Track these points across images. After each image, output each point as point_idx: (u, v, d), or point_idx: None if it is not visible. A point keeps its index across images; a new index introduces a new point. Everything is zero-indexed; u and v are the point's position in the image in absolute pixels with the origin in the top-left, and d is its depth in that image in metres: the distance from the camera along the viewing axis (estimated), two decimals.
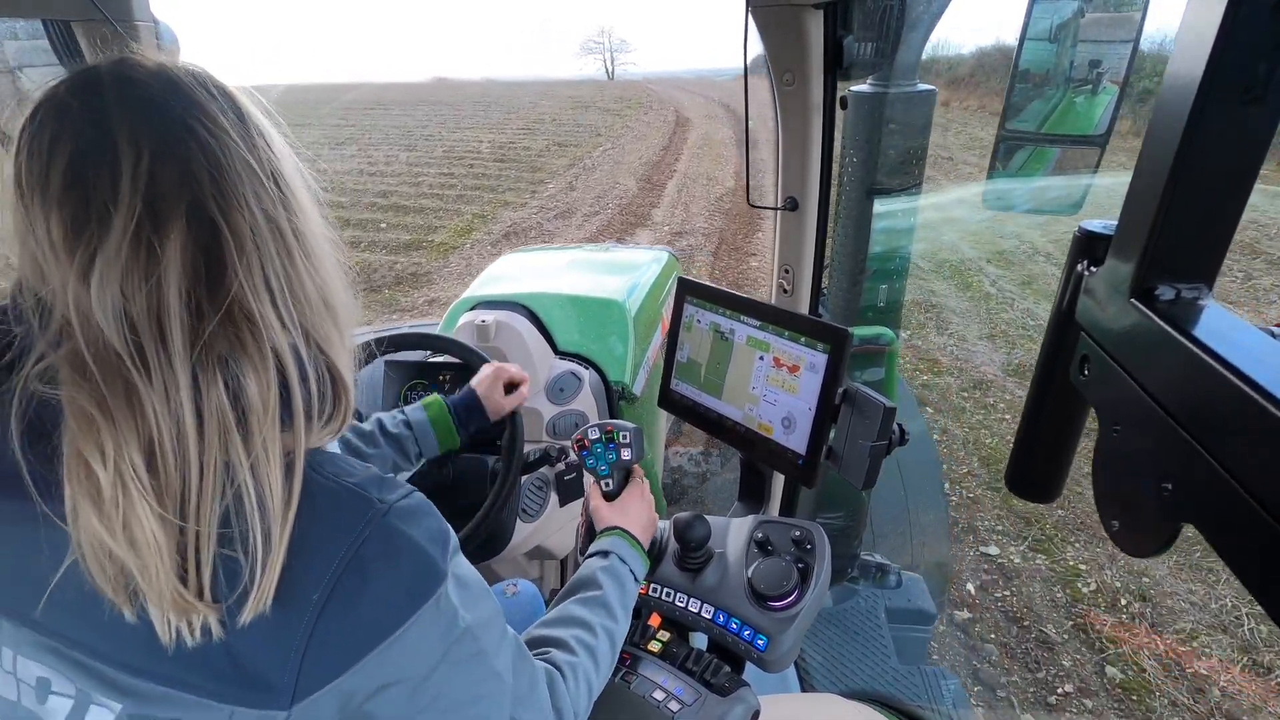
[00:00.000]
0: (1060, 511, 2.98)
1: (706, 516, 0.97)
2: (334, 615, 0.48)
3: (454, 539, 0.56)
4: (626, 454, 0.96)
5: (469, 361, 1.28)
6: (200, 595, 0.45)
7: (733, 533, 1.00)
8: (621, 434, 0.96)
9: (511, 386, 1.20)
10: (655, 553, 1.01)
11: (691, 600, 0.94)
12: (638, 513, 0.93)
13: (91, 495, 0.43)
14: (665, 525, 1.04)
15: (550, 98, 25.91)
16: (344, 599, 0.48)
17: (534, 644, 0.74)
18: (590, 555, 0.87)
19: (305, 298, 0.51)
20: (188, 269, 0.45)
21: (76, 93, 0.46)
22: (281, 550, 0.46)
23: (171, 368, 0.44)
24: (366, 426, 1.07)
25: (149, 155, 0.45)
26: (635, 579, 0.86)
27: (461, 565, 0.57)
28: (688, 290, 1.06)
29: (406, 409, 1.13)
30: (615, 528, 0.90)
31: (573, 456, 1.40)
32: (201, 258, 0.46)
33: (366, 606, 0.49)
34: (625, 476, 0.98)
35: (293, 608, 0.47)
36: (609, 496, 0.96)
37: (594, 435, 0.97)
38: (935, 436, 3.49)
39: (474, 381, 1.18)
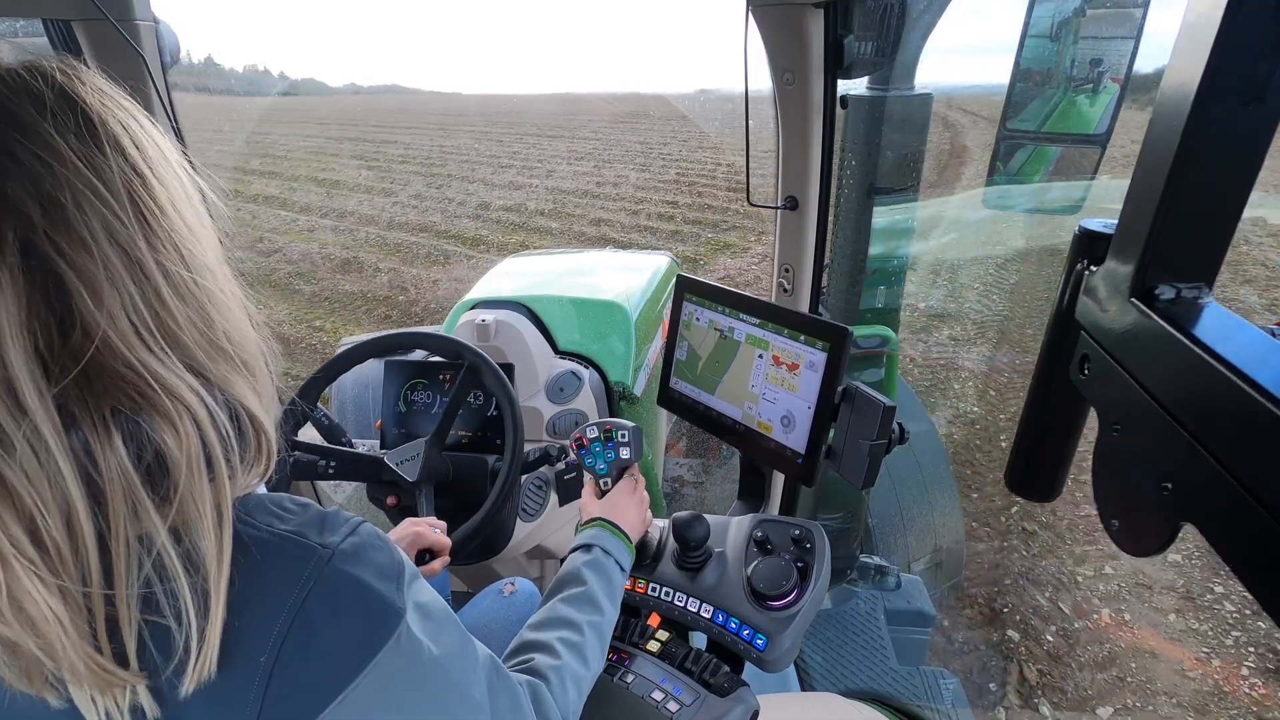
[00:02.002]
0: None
1: (705, 515, 0.97)
2: (286, 673, 0.44)
3: (409, 567, 0.52)
4: (625, 453, 0.96)
5: (464, 358, 1.28)
6: (125, 666, 0.41)
7: (732, 532, 1.00)
8: (620, 433, 0.96)
9: (430, 554, 1.04)
10: (654, 552, 1.01)
11: (690, 600, 0.94)
12: (623, 506, 0.93)
13: None
14: (664, 524, 1.04)
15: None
16: (294, 655, 0.44)
17: (521, 649, 0.73)
18: (573, 550, 0.87)
19: (188, 340, 0.45)
20: (29, 321, 0.38)
21: None
22: (220, 612, 0.42)
23: (38, 434, 0.38)
24: None
25: None
26: (621, 568, 0.86)
27: (422, 592, 0.53)
28: (687, 288, 1.06)
29: None
30: (597, 519, 0.90)
31: (573, 456, 1.40)
32: (44, 306, 0.39)
33: (321, 658, 0.45)
34: (623, 475, 0.98)
35: (239, 672, 0.43)
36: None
37: (593, 434, 0.97)
38: None
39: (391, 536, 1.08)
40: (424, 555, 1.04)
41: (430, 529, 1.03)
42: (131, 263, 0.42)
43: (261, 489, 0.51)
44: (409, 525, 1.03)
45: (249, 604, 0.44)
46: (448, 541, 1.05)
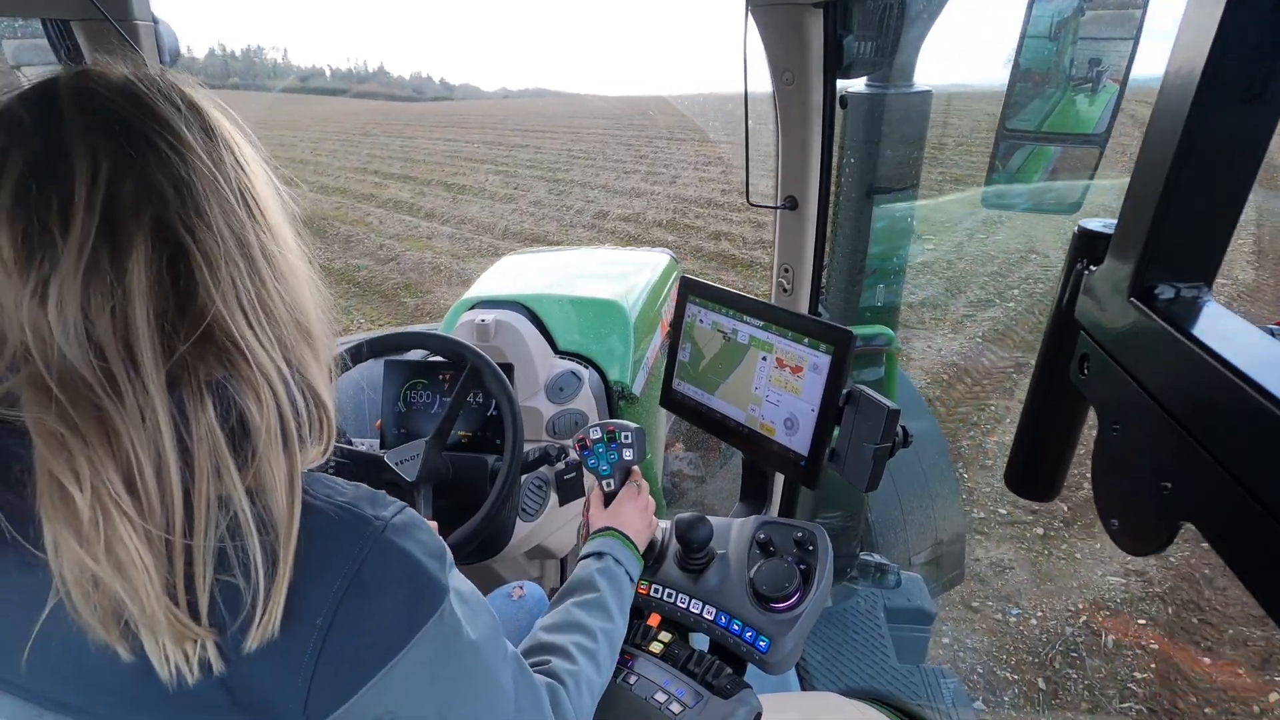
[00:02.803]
0: None
1: (708, 517, 0.97)
2: (339, 637, 0.47)
3: (449, 554, 0.55)
4: (628, 454, 0.96)
5: (464, 359, 1.28)
6: (197, 620, 0.43)
7: (734, 534, 1.00)
8: (624, 434, 0.96)
9: None
10: (657, 553, 1.01)
11: (693, 601, 0.94)
12: (630, 514, 0.93)
13: (68, 519, 0.40)
14: (667, 526, 1.04)
15: None
16: (348, 620, 0.47)
17: (535, 650, 0.74)
18: (585, 556, 0.87)
19: (280, 320, 0.49)
20: (155, 289, 0.43)
21: (30, 106, 0.44)
22: (287, 572, 0.45)
23: (146, 392, 0.42)
24: None
25: (106, 170, 0.43)
26: (631, 579, 0.86)
27: (460, 579, 0.56)
28: (691, 290, 1.06)
29: None
30: (608, 528, 0.90)
31: (572, 456, 1.40)
32: (169, 278, 0.44)
33: (371, 626, 0.48)
34: (626, 477, 0.98)
35: (297, 632, 0.46)
36: (610, 497, 0.96)
37: (596, 435, 0.97)
38: None
39: None
40: None
41: None
42: (241, 243, 0.47)
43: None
44: None
45: (309, 568, 0.46)
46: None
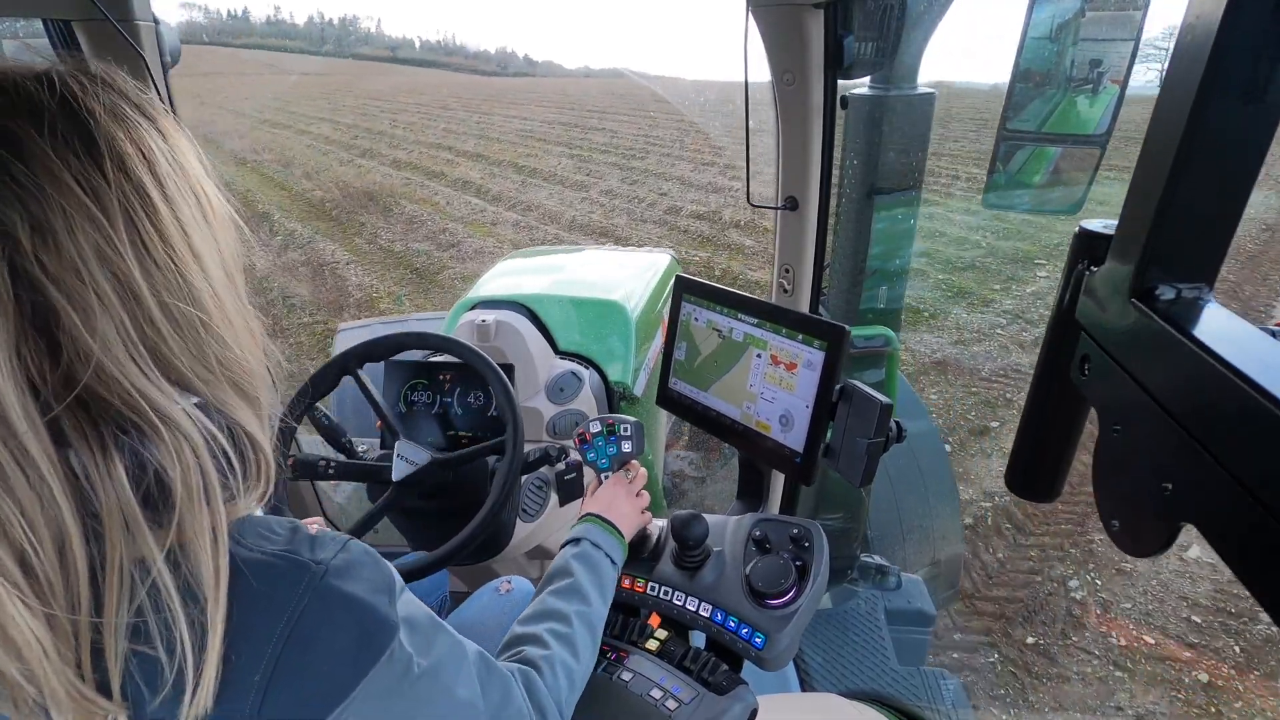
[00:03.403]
0: None
1: (704, 515, 0.97)
2: (279, 695, 0.44)
3: (398, 580, 0.52)
4: (627, 446, 0.96)
5: (470, 362, 1.28)
6: (108, 696, 0.40)
7: (730, 531, 1.00)
8: (622, 427, 0.96)
9: None
10: (653, 551, 1.01)
11: (689, 599, 0.94)
12: (615, 499, 0.93)
13: None
14: (663, 523, 1.04)
15: None
16: (289, 673, 0.44)
17: (511, 643, 0.73)
18: (563, 545, 0.88)
19: (185, 364, 0.44)
20: (17, 344, 0.38)
21: None
22: (217, 643, 0.41)
23: (29, 458, 0.37)
24: None
25: None
26: (611, 561, 0.86)
27: (408, 604, 0.53)
28: (685, 288, 1.06)
29: None
30: (588, 514, 0.91)
31: (573, 456, 1.40)
32: (32, 329, 0.38)
33: (314, 675, 0.45)
34: (623, 467, 0.98)
35: (233, 696, 0.43)
36: None
37: (595, 428, 0.97)
38: None
39: None
40: None
41: None
42: (122, 287, 0.41)
43: (258, 510, 0.51)
44: None
45: (244, 624, 0.44)
46: None
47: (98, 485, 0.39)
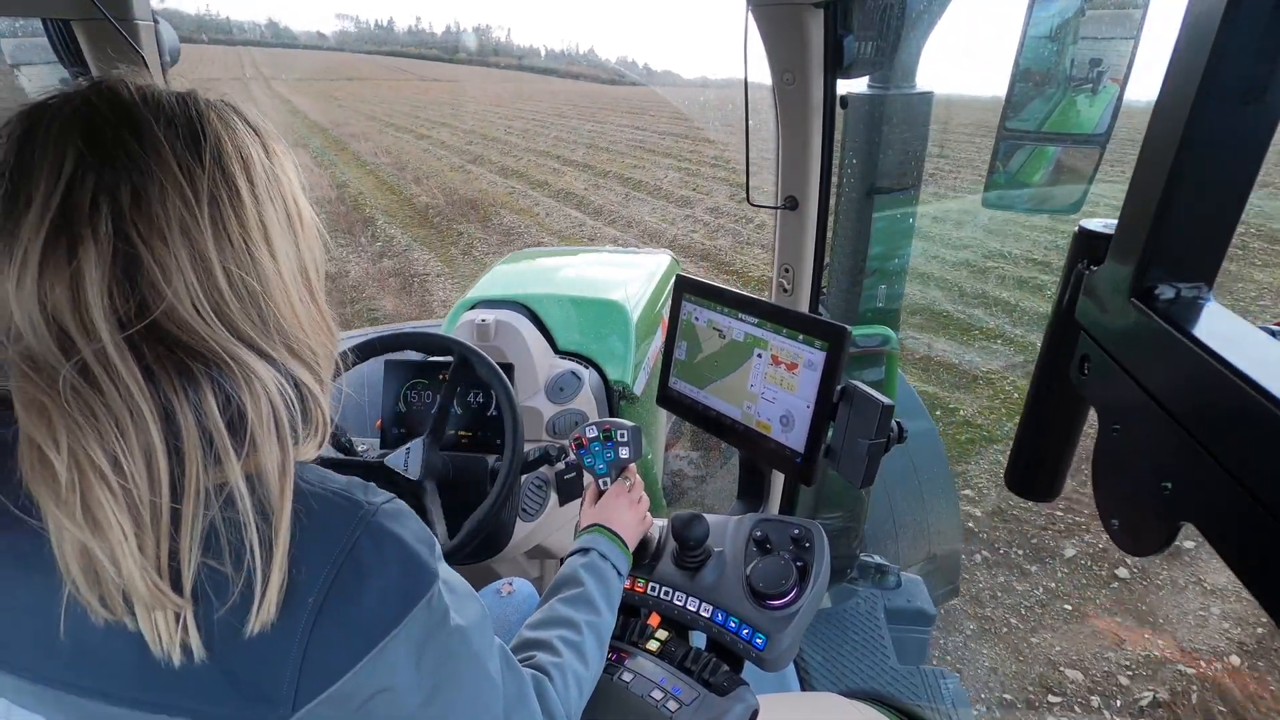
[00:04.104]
0: None
1: (705, 515, 0.97)
2: (330, 619, 0.48)
3: (438, 545, 0.57)
4: (624, 452, 0.96)
5: (470, 362, 1.28)
6: (179, 592, 0.45)
7: (731, 531, 1.00)
8: (619, 432, 0.96)
9: None
10: (654, 551, 1.01)
11: (690, 599, 0.94)
12: (618, 510, 0.93)
13: (46, 480, 0.43)
14: (664, 524, 1.04)
15: None
16: (339, 602, 0.48)
17: (521, 648, 0.74)
18: (570, 554, 0.88)
19: (245, 326, 0.51)
20: (109, 281, 0.45)
21: (24, 115, 0.48)
22: (282, 558, 0.46)
23: (119, 375, 0.44)
24: None
25: (69, 170, 0.45)
26: (618, 573, 0.87)
27: (447, 570, 0.57)
28: (686, 288, 1.06)
29: None
30: (594, 525, 0.91)
31: (572, 455, 1.40)
32: (121, 273, 0.46)
33: (362, 608, 0.49)
34: (622, 475, 0.98)
35: (289, 614, 0.47)
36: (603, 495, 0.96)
37: (592, 434, 0.97)
38: None
39: None
40: None
41: None
42: (196, 257, 0.48)
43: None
44: None
45: (303, 550, 0.48)
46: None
47: (175, 409, 0.45)
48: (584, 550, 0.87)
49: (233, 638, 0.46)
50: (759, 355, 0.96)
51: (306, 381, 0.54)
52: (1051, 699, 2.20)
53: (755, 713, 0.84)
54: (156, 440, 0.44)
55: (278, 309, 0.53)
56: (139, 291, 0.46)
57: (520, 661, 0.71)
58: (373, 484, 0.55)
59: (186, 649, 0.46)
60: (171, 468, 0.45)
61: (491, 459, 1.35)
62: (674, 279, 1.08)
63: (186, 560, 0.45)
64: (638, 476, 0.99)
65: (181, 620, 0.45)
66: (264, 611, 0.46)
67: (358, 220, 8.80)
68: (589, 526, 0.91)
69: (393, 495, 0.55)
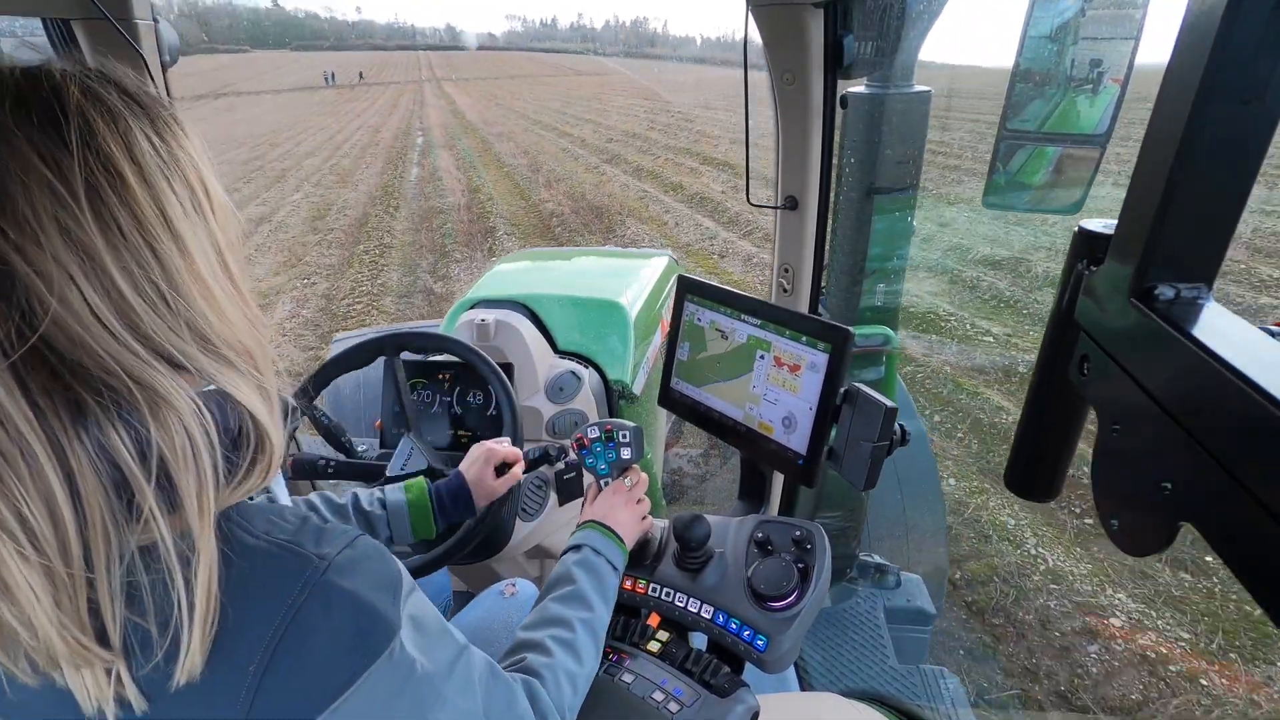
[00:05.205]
0: None
1: (706, 516, 0.97)
2: (275, 683, 0.45)
3: (406, 579, 0.53)
4: (626, 453, 0.96)
5: (469, 362, 1.28)
6: (105, 645, 0.41)
7: (732, 532, 1.00)
8: (621, 433, 0.96)
9: (505, 467, 1.11)
10: (655, 552, 1.01)
11: (691, 600, 0.94)
12: (614, 506, 0.93)
13: None
14: (665, 525, 1.04)
15: None
16: (284, 664, 0.45)
17: (514, 650, 0.74)
18: (565, 551, 0.88)
19: (159, 334, 0.44)
20: None
21: None
22: (205, 608, 0.43)
23: (4, 411, 0.39)
24: (340, 499, 1.01)
25: None
26: (613, 567, 0.87)
27: (417, 605, 0.54)
28: (688, 288, 1.06)
29: (387, 489, 1.05)
30: (589, 521, 0.91)
31: (572, 456, 1.40)
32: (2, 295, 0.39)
33: (310, 670, 0.46)
34: (624, 475, 0.98)
35: (228, 675, 0.44)
36: None
37: (594, 434, 0.97)
38: None
39: (463, 465, 1.10)
40: (501, 469, 1.11)
41: (498, 443, 1.13)
42: (85, 259, 0.41)
43: (281, 491, 0.51)
44: (479, 448, 1.11)
45: (241, 609, 0.45)
46: (518, 452, 1.14)
47: (67, 450, 0.40)
48: (577, 547, 0.87)
49: (171, 693, 0.43)
50: (762, 357, 0.96)
51: (244, 398, 0.48)
52: None
53: (756, 714, 0.84)
54: (56, 486, 0.39)
55: (195, 309, 0.46)
56: (17, 309, 0.39)
57: (512, 664, 0.71)
58: (331, 526, 0.51)
59: (123, 702, 0.43)
60: (77, 515, 0.40)
61: None
62: (676, 279, 1.08)
63: (108, 611, 0.41)
64: (641, 475, 0.99)
65: (114, 674, 0.42)
66: (189, 665, 0.42)
67: (478, 232, 8.22)
68: (584, 523, 0.91)
69: (354, 537, 0.51)
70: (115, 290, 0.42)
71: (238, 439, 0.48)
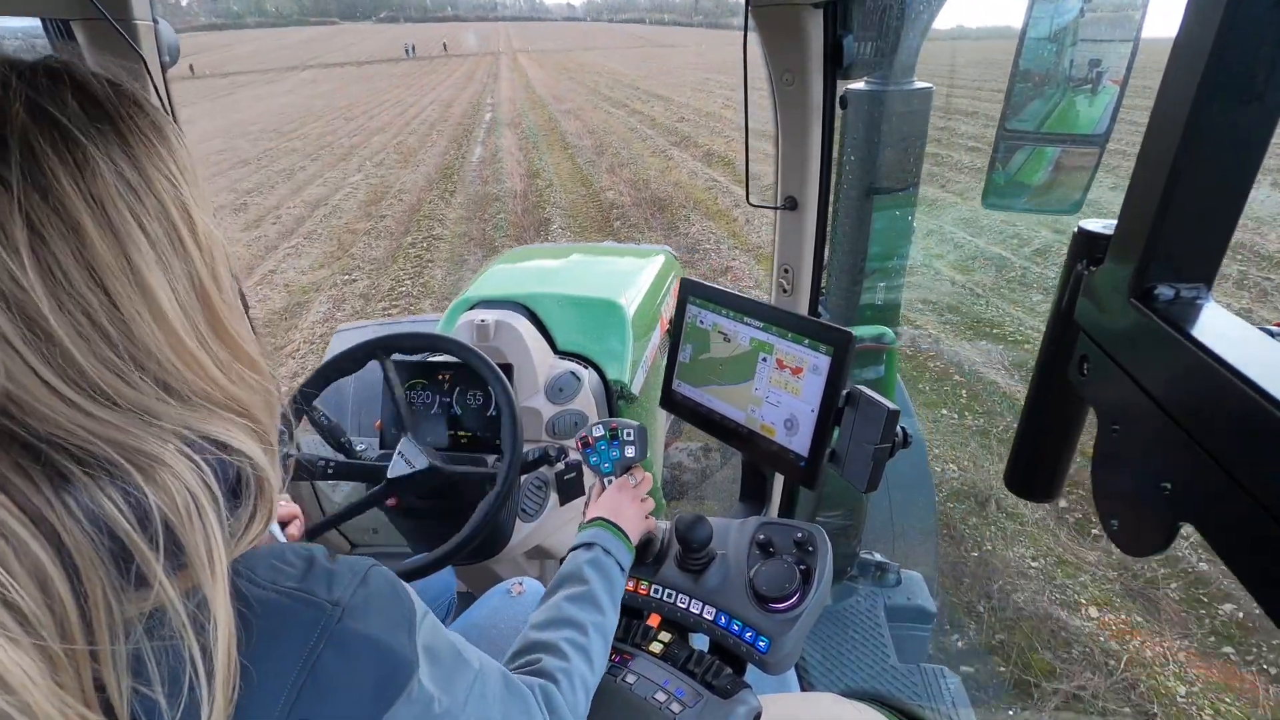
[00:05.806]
0: None
1: (708, 517, 0.97)
2: None
3: (419, 607, 0.51)
4: (631, 451, 0.96)
5: (469, 362, 1.28)
6: (113, 719, 0.38)
7: (734, 534, 1.00)
8: (625, 431, 0.96)
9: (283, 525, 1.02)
10: (657, 553, 1.01)
11: (693, 601, 0.94)
12: (621, 504, 0.93)
13: None
14: (667, 526, 1.04)
15: None
16: (306, 714, 0.43)
17: (527, 649, 0.74)
18: (574, 548, 0.87)
19: (122, 391, 0.39)
20: None
21: None
22: (226, 672, 0.40)
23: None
24: None
25: None
26: (621, 569, 0.86)
27: (429, 633, 0.52)
28: (691, 291, 1.06)
29: None
30: (598, 518, 0.90)
31: (572, 456, 1.40)
32: None
33: (330, 717, 0.44)
34: (628, 474, 0.98)
35: None
36: None
37: (598, 433, 0.97)
38: None
39: None
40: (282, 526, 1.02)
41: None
42: (26, 325, 0.36)
43: (278, 532, 0.49)
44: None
45: (257, 666, 0.42)
46: (295, 508, 1.04)
47: (55, 524, 0.37)
48: (588, 545, 0.86)
49: None
50: (764, 359, 0.96)
51: (237, 443, 0.44)
52: None
53: (758, 715, 0.84)
54: (46, 562, 0.36)
55: (165, 363, 0.41)
56: None
57: (526, 664, 0.71)
58: (340, 565, 0.48)
59: None
60: (74, 589, 0.37)
61: (491, 459, 1.35)
62: (679, 282, 1.08)
63: (114, 686, 0.38)
64: (646, 474, 0.99)
65: None
66: None
67: (531, 224, 7.64)
68: (592, 520, 0.90)
69: (363, 572, 0.48)
70: (66, 357, 0.37)
71: (236, 487, 0.45)
